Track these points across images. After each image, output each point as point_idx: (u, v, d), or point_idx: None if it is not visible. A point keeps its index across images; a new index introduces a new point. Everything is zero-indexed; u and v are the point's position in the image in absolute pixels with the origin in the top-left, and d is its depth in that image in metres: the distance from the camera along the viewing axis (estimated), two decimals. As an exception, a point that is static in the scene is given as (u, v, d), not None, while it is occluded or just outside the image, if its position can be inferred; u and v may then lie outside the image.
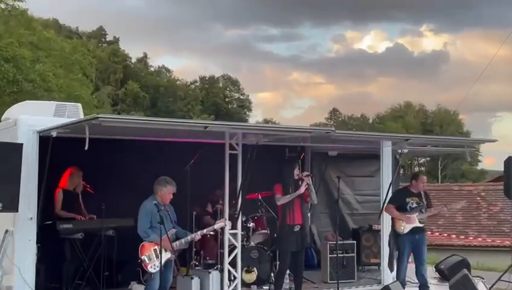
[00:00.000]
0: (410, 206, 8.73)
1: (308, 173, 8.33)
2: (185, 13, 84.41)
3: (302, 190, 7.87)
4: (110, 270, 8.32)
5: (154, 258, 6.99)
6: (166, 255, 7.03)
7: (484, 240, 22.21)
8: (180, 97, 54.81)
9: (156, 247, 6.95)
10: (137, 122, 6.42)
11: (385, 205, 8.97)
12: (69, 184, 8.38)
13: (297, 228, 7.95)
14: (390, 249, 8.98)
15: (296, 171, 8.09)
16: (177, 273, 8.35)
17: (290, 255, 7.94)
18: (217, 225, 7.69)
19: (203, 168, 8.88)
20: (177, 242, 7.21)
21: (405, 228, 8.66)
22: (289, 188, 7.95)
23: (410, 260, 8.93)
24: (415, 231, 8.69)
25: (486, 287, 9.68)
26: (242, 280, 8.39)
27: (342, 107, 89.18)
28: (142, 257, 7.02)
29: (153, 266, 7.00)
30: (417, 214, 8.68)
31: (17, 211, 6.99)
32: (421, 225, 8.72)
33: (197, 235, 7.45)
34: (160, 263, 6.87)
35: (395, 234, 8.85)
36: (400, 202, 8.82)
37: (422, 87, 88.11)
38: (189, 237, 7.34)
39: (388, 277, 9.15)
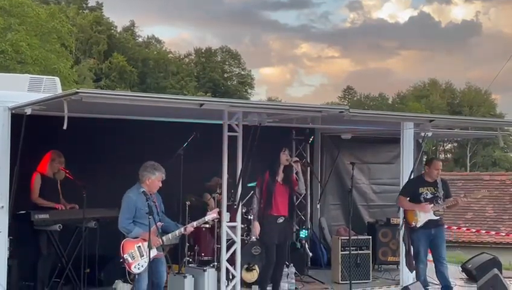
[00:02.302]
0: (424, 197, 8.66)
1: (297, 159, 8.62)
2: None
3: None
4: (91, 267, 8.37)
5: (138, 256, 6.95)
6: (153, 252, 6.92)
7: (518, 237, 22.29)
8: (172, 72, 54.73)
9: (140, 244, 6.92)
10: (123, 98, 6.42)
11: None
12: (49, 170, 8.33)
13: (281, 220, 8.23)
14: (406, 246, 8.98)
15: (286, 156, 8.32)
16: (168, 271, 8.40)
17: (275, 247, 8.16)
18: (208, 217, 7.56)
19: (198, 152, 8.90)
20: (169, 235, 7.16)
21: (418, 221, 8.61)
22: (276, 176, 8.23)
23: (430, 258, 8.94)
24: (430, 225, 8.63)
25: (520, 290, 9.71)
26: (242, 280, 8.44)
27: (358, 84, 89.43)
28: (125, 256, 6.96)
29: (137, 266, 6.94)
30: (432, 205, 8.63)
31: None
32: (437, 218, 8.66)
33: (189, 228, 7.41)
34: (149, 256, 6.81)
35: (408, 230, 8.81)
36: (411, 192, 8.78)
37: (449, 63, 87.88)
38: (178, 231, 7.28)
39: (408, 277, 9.20)
